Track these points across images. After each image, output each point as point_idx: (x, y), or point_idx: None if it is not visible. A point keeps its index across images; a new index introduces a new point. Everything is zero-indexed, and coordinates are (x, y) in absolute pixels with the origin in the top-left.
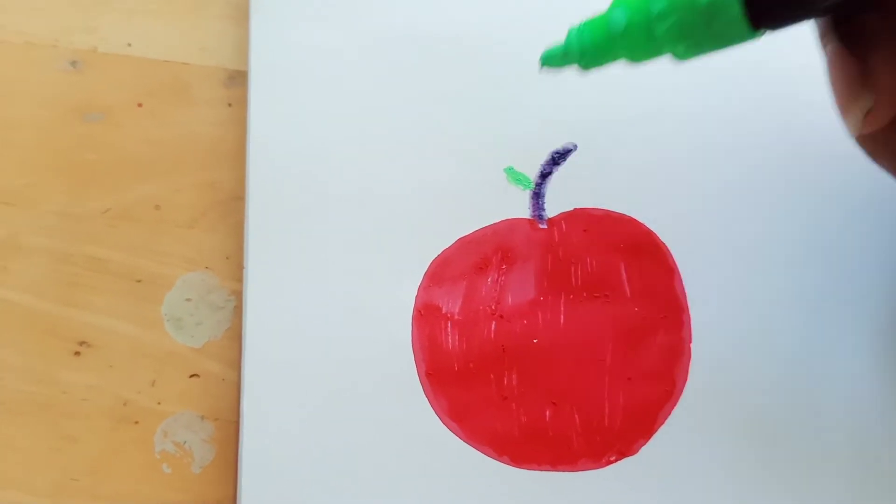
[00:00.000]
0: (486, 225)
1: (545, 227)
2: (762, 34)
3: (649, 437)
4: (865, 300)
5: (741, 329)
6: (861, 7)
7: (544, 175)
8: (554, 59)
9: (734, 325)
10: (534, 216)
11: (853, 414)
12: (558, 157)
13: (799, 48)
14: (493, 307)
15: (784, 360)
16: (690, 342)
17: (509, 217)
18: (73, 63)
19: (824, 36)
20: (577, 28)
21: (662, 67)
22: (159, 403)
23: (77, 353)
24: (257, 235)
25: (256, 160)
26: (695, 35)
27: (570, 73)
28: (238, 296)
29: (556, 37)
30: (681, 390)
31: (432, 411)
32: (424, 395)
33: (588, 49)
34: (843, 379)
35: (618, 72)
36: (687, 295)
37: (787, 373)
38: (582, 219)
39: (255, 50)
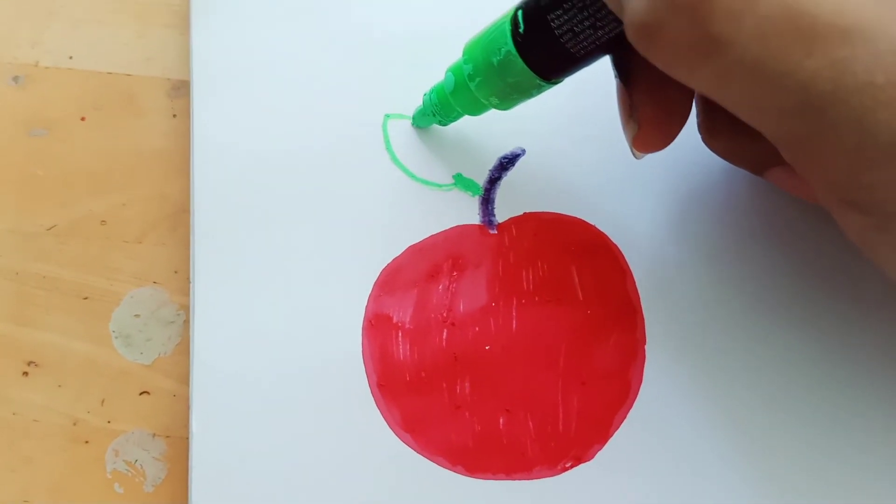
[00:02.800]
0: (437, 232)
1: (495, 232)
2: (557, 82)
3: (605, 442)
4: (815, 298)
5: (695, 329)
6: (623, 48)
7: (493, 180)
8: (419, 120)
9: (688, 325)
10: (484, 222)
11: (807, 410)
12: (507, 162)
13: None
14: (445, 315)
15: (738, 357)
16: (644, 343)
17: (459, 223)
18: (15, 78)
19: (613, 70)
20: (427, 93)
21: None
22: (109, 422)
23: (26, 374)
24: (204, 248)
25: (201, 171)
26: (499, 89)
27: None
28: (187, 310)
29: None
30: (636, 393)
31: (385, 423)
32: (377, 407)
33: (437, 109)
34: (797, 375)
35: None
36: (640, 296)
37: (741, 371)
38: (532, 223)
39: (197, 59)
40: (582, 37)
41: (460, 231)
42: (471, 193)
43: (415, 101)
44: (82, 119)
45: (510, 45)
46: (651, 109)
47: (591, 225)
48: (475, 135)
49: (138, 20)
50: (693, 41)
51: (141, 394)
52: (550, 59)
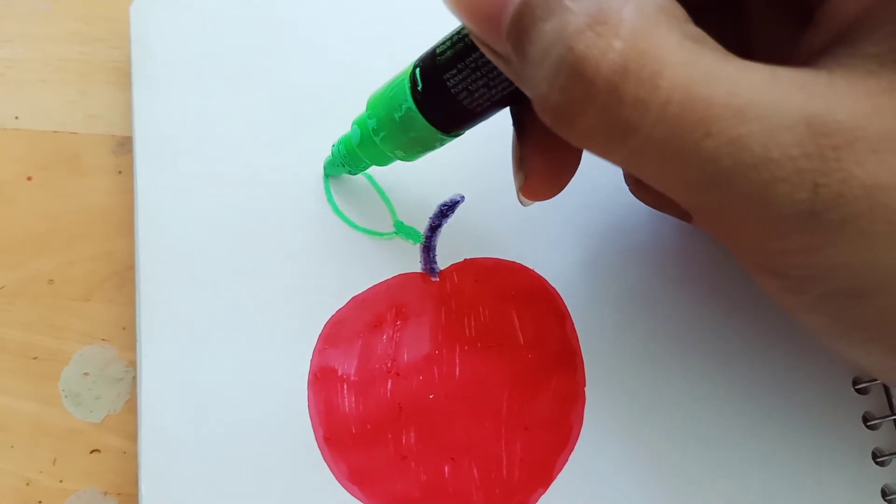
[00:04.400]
0: (379, 281)
1: (437, 279)
2: (457, 135)
3: (548, 486)
4: (750, 334)
5: (633, 369)
6: (517, 102)
7: (433, 228)
8: (330, 169)
9: (626, 365)
10: (425, 269)
11: (748, 449)
12: (446, 210)
13: None
14: (389, 365)
15: (679, 397)
16: (584, 385)
17: (401, 272)
18: None
19: (511, 119)
20: (335, 143)
21: None
22: (61, 481)
23: None
24: (149, 306)
25: (145, 229)
26: (403, 143)
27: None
28: (136, 366)
29: None
30: (577, 435)
31: (333, 477)
32: (324, 461)
33: (345, 159)
34: (736, 411)
35: (500, 121)
36: (579, 338)
37: (682, 410)
38: (473, 269)
39: (139, 115)
40: (477, 94)
41: (402, 280)
42: (412, 241)
43: None
44: (28, 179)
45: (410, 102)
46: (540, 162)
47: (530, 269)
48: (415, 183)
49: (81, 78)
50: (606, 126)
51: (92, 452)
52: (449, 115)
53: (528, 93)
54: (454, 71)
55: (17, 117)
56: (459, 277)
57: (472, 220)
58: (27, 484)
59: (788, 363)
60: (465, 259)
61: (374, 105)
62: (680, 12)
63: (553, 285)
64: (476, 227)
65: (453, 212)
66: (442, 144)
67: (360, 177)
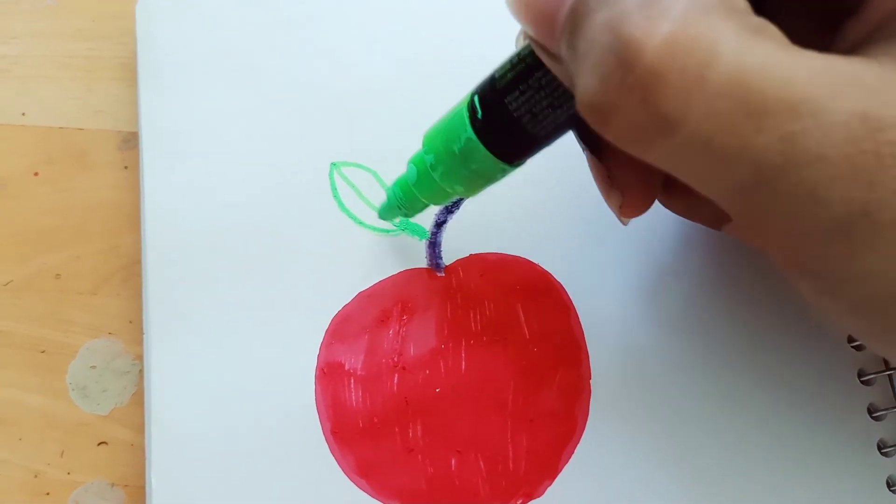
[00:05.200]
0: (385, 277)
1: (443, 274)
2: (520, 164)
3: (554, 478)
4: (757, 329)
5: (639, 362)
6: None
7: (439, 224)
8: (386, 214)
9: (631, 358)
10: (431, 265)
11: (753, 441)
12: (452, 206)
13: None
14: (396, 359)
15: (683, 389)
16: (590, 378)
17: (407, 268)
18: None
19: (580, 144)
20: (390, 186)
21: None
22: (69, 473)
23: None
24: (156, 300)
25: (151, 222)
26: (463, 177)
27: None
28: (142, 360)
29: (445, 83)
30: (582, 428)
31: (340, 470)
32: (332, 454)
33: (402, 202)
34: (742, 404)
35: None
36: (584, 332)
37: (687, 402)
38: (478, 264)
39: (145, 112)
40: (541, 117)
41: (408, 275)
42: (418, 237)
43: (360, 148)
44: (35, 174)
45: (470, 132)
46: (630, 175)
47: (535, 264)
48: None
49: (87, 74)
50: (645, 121)
51: (99, 444)
52: (512, 142)
53: (574, 94)
54: (516, 93)
55: (23, 113)
56: (465, 272)
57: (477, 216)
58: (35, 476)
59: (793, 355)
60: (471, 254)
61: (430, 140)
62: (741, 3)
63: (558, 279)
64: (481, 222)
65: (458, 208)
66: (503, 176)
67: (365, 173)
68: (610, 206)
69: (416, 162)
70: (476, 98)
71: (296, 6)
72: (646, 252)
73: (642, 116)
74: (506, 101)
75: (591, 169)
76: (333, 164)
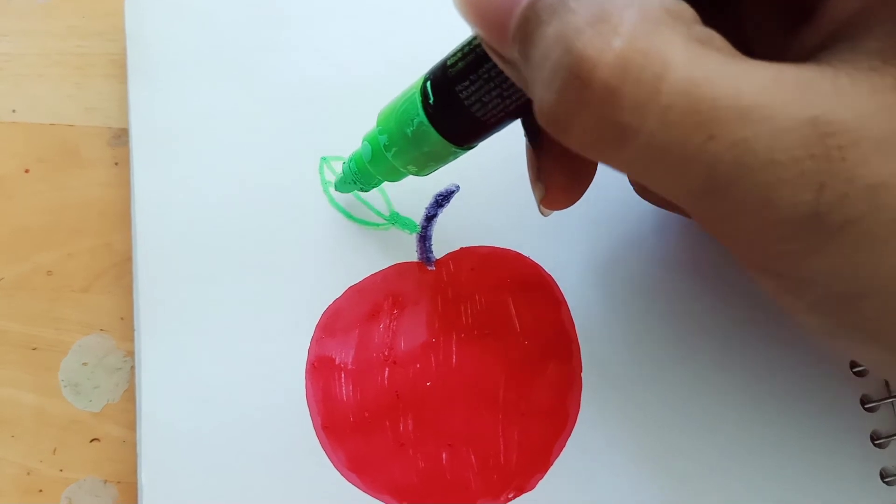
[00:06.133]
0: (376, 272)
1: (433, 268)
2: (471, 147)
3: (546, 471)
4: (755, 315)
5: (630, 356)
6: (531, 113)
7: (429, 218)
8: (341, 187)
9: (623, 352)
10: (421, 259)
11: (746, 433)
12: (442, 199)
13: None
14: (387, 353)
15: (674, 381)
16: (581, 371)
17: (398, 261)
18: None
19: (524, 132)
20: (346, 161)
21: None
22: (62, 470)
23: None
24: (147, 296)
25: (142, 220)
26: (415, 158)
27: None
28: (133, 356)
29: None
30: (574, 421)
31: (331, 465)
32: (322, 449)
33: (357, 177)
34: (735, 397)
35: None
36: (575, 325)
37: (678, 394)
38: (468, 257)
39: (135, 108)
40: (490, 105)
41: (399, 269)
42: (408, 231)
43: (349, 144)
44: (26, 171)
45: (422, 116)
46: (558, 173)
47: (525, 257)
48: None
49: (78, 71)
50: (602, 131)
51: (91, 441)
52: (462, 127)
53: (530, 97)
54: (466, 82)
55: (14, 111)
56: (455, 266)
57: (467, 210)
58: (28, 473)
59: (785, 346)
60: (461, 248)
61: (384, 120)
62: (688, 13)
63: (549, 272)
64: (472, 216)
65: (449, 201)
66: (455, 157)
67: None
68: (534, 197)
69: (371, 140)
70: (428, 84)
71: (285, 4)
72: (637, 246)
73: (600, 127)
74: (456, 88)
75: (526, 158)
76: (323, 159)
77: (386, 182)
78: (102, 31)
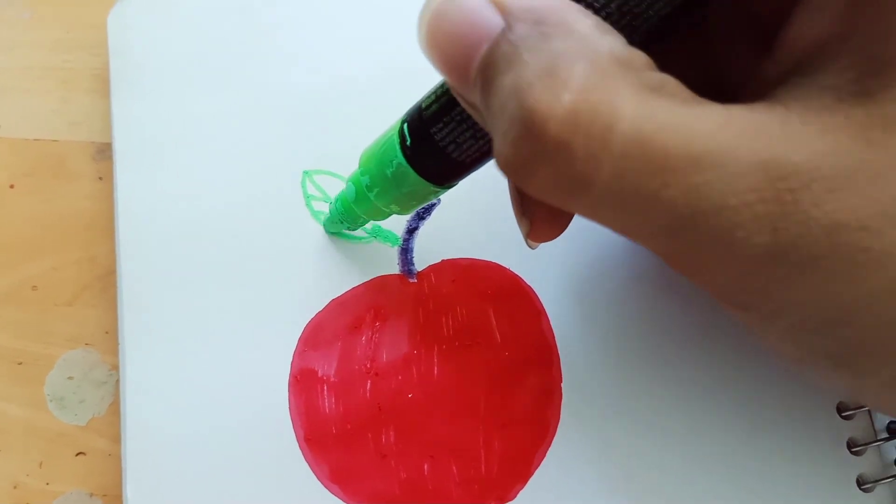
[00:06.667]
0: (358, 284)
1: (415, 280)
2: (451, 186)
3: (526, 481)
4: (735, 324)
5: (610, 366)
6: None
7: (410, 230)
8: (329, 226)
9: (604, 363)
10: (403, 271)
11: (724, 442)
12: (423, 212)
13: None
14: (369, 365)
15: (653, 391)
16: (561, 382)
17: (379, 274)
18: None
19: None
20: (332, 201)
21: None
22: (48, 484)
23: None
24: (131, 309)
25: (125, 234)
26: (397, 198)
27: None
28: (119, 370)
29: (421, 93)
30: (554, 431)
31: (314, 476)
32: (305, 461)
33: (343, 217)
34: (713, 407)
35: None
36: (555, 335)
37: (657, 404)
38: (449, 269)
39: (118, 121)
40: (465, 146)
41: (380, 282)
42: (389, 244)
43: (332, 156)
44: (11, 186)
45: (400, 158)
46: (541, 208)
47: (505, 268)
48: None
49: (63, 86)
50: (559, 181)
51: (77, 455)
52: (440, 168)
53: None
54: (440, 125)
55: None
56: (437, 278)
57: (448, 222)
58: (14, 487)
59: (763, 355)
60: (443, 260)
61: (366, 162)
62: (640, 60)
63: (529, 283)
64: (453, 228)
65: (430, 214)
66: (437, 196)
67: (339, 181)
68: (520, 231)
69: (354, 182)
70: (405, 126)
71: (269, 13)
72: (617, 256)
73: (556, 178)
74: (431, 131)
75: (510, 193)
76: (306, 173)
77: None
78: (86, 45)
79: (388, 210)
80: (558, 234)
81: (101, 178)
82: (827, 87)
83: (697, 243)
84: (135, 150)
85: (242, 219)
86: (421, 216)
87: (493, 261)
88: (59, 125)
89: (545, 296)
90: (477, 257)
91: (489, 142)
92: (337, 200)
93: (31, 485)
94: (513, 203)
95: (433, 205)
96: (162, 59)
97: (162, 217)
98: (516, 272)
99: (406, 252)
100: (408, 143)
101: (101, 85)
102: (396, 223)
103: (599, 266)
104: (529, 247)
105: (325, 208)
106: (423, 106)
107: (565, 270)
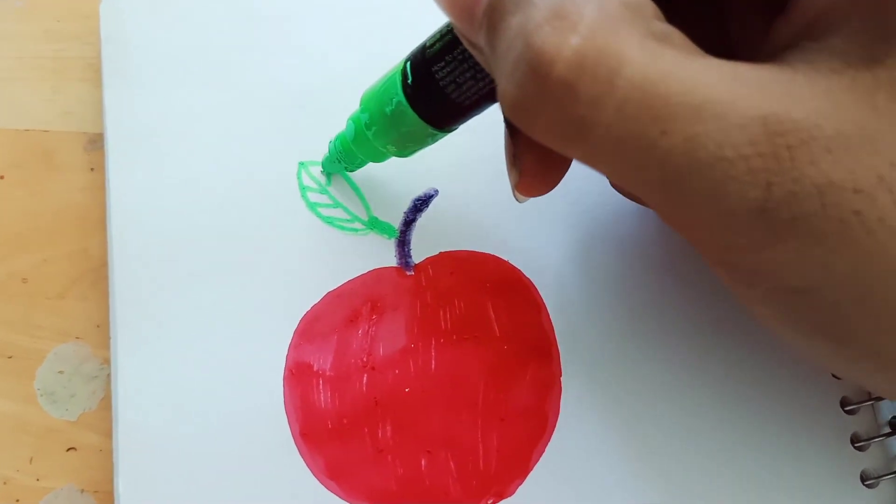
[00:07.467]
0: (355, 277)
1: (412, 273)
2: (450, 130)
3: (525, 477)
4: (736, 314)
5: (610, 359)
6: None
7: (408, 222)
8: (327, 166)
9: (603, 356)
10: (400, 263)
11: (727, 435)
12: (421, 204)
13: None
14: (365, 359)
15: (654, 384)
16: (560, 375)
17: (376, 266)
18: None
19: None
20: (332, 140)
21: None
22: (38, 480)
23: None
24: (123, 303)
25: (118, 226)
26: (394, 138)
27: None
28: (110, 364)
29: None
30: (553, 425)
31: (309, 472)
32: (301, 456)
33: (341, 156)
34: (716, 399)
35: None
36: (555, 328)
37: (657, 397)
38: (447, 262)
39: (110, 112)
40: (465, 87)
41: (377, 274)
42: (387, 236)
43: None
44: (1, 177)
45: (401, 96)
46: (533, 160)
47: (504, 261)
48: (389, 178)
49: (54, 75)
50: (562, 124)
51: (68, 450)
52: (438, 108)
53: (496, 82)
54: (442, 63)
55: None
56: (434, 270)
57: (446, 214)
58: (4, 483)
59: (766, 348)
60: (441, 252)
61: (366, 100)
62: (649, 9)
63: (528, 276)
64: (450, 220)
65: (427, 206)
66: (434, 140)
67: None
68: (510, 181)
69: (354, 120)
70: (408, 64)
71: (262, 4)
72: (616, 248)
73: (559, 120)
74: (432, 69)
75: (504, 142)
76: (301, 164)
77: (371, 163)
78: (78, 34)
79: (385, 151)
80: (546, 191)
81: (92, 169)
82: (836, 51)
83: (691, 194)
84: (127, 141)
85: (237, 210)
86: (418, 208)
87: (493, 253)
88: (51, 115)
89: (545, 289)
90: (476, 250)
91: (489, 84)
92: (336, 139)
93: (22, 480)
94: (506, 152)
95: (430, 196)
96: (155, 49)
97: (155, 208)
98: (516, 265)
99: (403, 244)
100: (409, 80)
101: (94, 74)
102: (394, 214)
103: (599, 259)
104: (517, 199)
105: (321, 200)
106: (427, 45)
107: (565, 263)
